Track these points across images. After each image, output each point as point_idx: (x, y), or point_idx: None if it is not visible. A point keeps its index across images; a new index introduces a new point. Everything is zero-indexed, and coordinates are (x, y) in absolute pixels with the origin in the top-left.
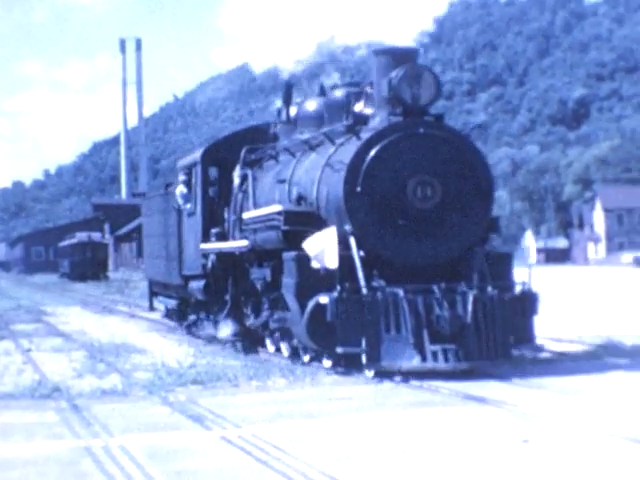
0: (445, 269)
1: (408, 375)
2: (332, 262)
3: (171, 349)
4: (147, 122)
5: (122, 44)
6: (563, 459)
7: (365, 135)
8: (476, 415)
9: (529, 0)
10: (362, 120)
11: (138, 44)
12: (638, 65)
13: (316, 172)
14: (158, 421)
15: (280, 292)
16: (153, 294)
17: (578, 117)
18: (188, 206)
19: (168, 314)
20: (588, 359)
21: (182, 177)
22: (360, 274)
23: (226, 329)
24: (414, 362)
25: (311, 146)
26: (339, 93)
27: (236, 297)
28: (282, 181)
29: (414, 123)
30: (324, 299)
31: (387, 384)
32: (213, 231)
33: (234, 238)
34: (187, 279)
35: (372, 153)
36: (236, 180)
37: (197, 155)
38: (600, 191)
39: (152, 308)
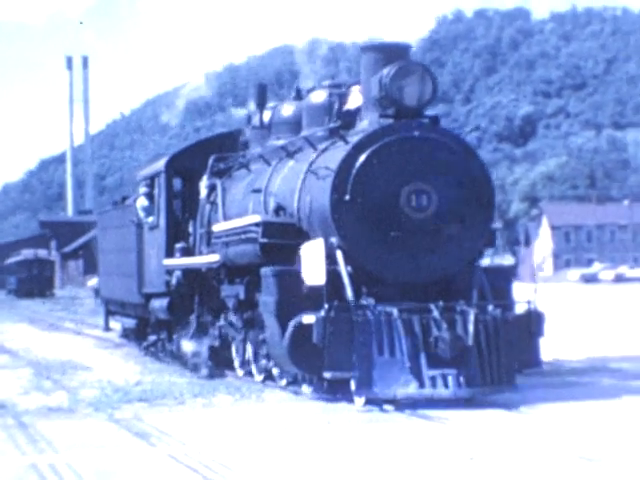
0: (441, 286)
1: (402, 404)
2: (319, 277)
3: (118, 366)
4: (93, 139)
5: (69, 61)
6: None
7: (353, 139)
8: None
9: (476, 17)
10: (348, 123)
11: (85, 61)
12: (585, 82)
13: (296, 180)
14: (104, 438)
15: (255, 311)
16: (109, 313)
17: (525, 134)
18: (150, 219)
19: (125, 334)
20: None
21: (143, 189)
22: (349, 291)
23: (190, 350)
24: (411, 389)
25: (289, 152)
26: (320, 96)
27: (202, 317)
28: (257, 191)
29: (408, 125)
30: (309, 318)
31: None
32: (178, 246)
33: (201, 253)
34: (148, 297)
35: (362, 158)
36: (203, 191)
37: (160, 164)
38: (547, 209)
39: (108, 328)
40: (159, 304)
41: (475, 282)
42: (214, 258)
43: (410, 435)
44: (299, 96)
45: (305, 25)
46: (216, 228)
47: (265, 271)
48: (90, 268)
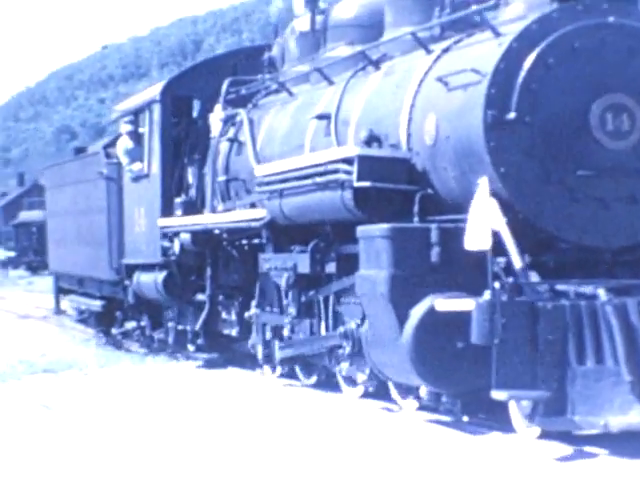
0: (636, 254)
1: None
2: (481, 239)
3: (23, 337)
4: None
5: None
6: None
7: (508, 28)
8: None
9: None
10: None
11: None
12: None
13: (401, 96)
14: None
15: (322, 291)
16: (61, 292)
17: None
18: (135, 167)
19: (83, 318)
20: None
21: (127, 127)
22: (517, 261)
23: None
24: (632, 415)
25: (371, 61)
26: None
27: (215, 297)
28: (323, 117)
29: (596, 6)
30: (459, 304)
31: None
32: (178, 200)
33: (213, 209)
34: (129, 271)
35: (531, 57)
36: (216, 126)
37: (154, 92)
38: None
39: (59, 310)
40: (148, 279)
41: None
42: (259, 213)
43: None
44: None
45: None
46: (261, 171)
47: (369, 231)
48: None
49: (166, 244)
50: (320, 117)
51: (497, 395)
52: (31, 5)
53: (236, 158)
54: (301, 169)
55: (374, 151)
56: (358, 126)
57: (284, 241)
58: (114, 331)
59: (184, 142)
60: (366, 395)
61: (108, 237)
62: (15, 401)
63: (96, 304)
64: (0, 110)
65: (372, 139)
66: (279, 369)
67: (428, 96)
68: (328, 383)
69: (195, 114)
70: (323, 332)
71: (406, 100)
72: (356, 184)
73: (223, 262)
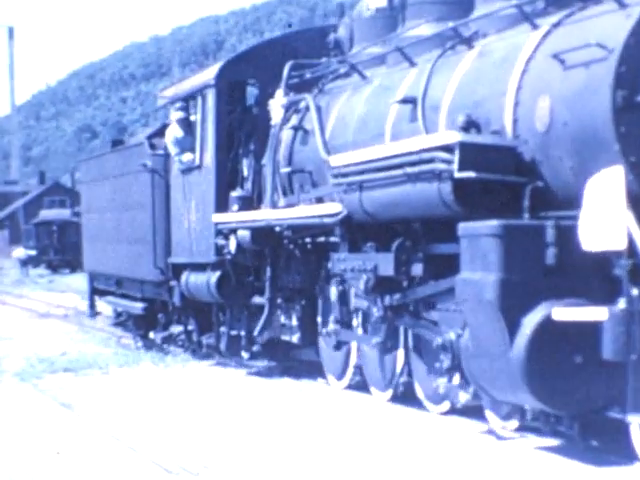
0: None
1: None
2: (615, 238)
3: (43, 336)
4: (19, 110)
5: None
6: None
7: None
8: None
9: None
10: None
11: (10, 32)
12: None
13: (503, 76)
14: (29, 408)
15: (411, 294)
16: (96, 293)
17: None
18: (185, 158)
19: (120, 322)
20: None
21: (177, 114)
22: None
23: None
24: None
25: (463, 39)
26: None
27: (274, 300)
28: (407, 101)
29: None
30: (581, 312)
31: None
32: (234, 195)
33: (274, 204)
34: (176, 271)
35: None
36: (277, 113)
37: (209, 75)
38: None
39: (94, 313)
40: (199, 280)
41: None
42: (334, 208)
43: None
44: None
45: None
46: (338, 161)
47: (474, 228)
48: (15, 239)
49: (221, 242)
50: (404, 101)
51: (634, 419)
52: (52, 3)
53: (301, 148)
54: (388, 158)
55: (478, 138)
56: (451, 111)
57: (359, 240)
58: (152, 335)
59: (238, 131)
60: (451, 412)
61: (152, 234)
62: (36, 400)
63: (137, 306)
64: (21, 109)
65: (470, 125)
66: (346, 379)
67: (539, 76)
68: (405, 397)
69: (251, 100)
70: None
71: (511, 81)
72: (457, 175)
73: (284, 262)
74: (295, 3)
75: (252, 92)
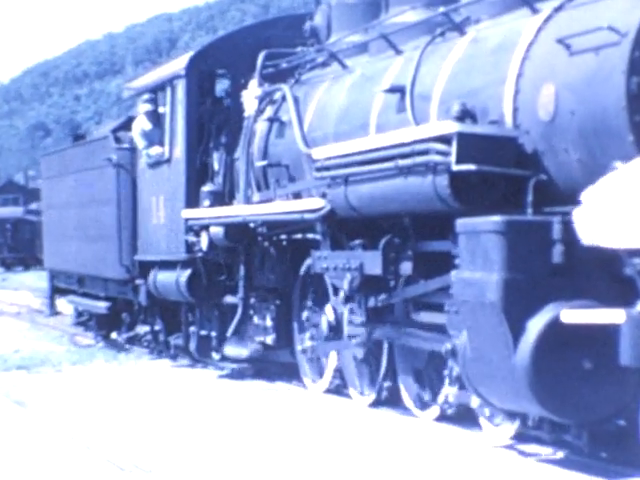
0: None
1: None
2: (635, 234)
3: None
4: None
5: None
6: None
7: None
8: None
9: None
10: None
11: None
12: None
13: (503, 64)
14: None
15: (396, 294)
16: (56, 291)
17: None
18: (153, 151)
19: (82, 321)
20: None
21: (145, 106)
22: None
23: (240, 350)
24: None
25: (456, 25)
26: None
27: (247, 299)
28: (395, 90)
29: None
30: (595, 315)
31: None
32: (206, 190)
33: (247, 199)
34: (142, 269)
35: None
36: (251, 104)
37: (179, 65)
38: None
39: (54, 312)
40: (168, 278)
41: None
42: (316, 203)
43: None
44: None
45: None
46: (321, 153)
47: (474, 224)
48: None
49: (192, 239)
50: (392, 90)
51: None
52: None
53: (277, 141)
54: (377, 150)
55: (477, 128)
56: (443, 101)
57: (342, 237)
58: (114, 335)
59: (208, 123)
60: (441, 418)
61: (118, 231)
62: None
63: (100, 305)
64: None
65: (465, 114)
66: (325, 381)
67: (542, 62)
68: (390, 401)
69: (221, 91)
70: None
71: (511, 68)
72: (455, 167)
73: (259, 260)
74: (248, 1)
75: (223, 83)
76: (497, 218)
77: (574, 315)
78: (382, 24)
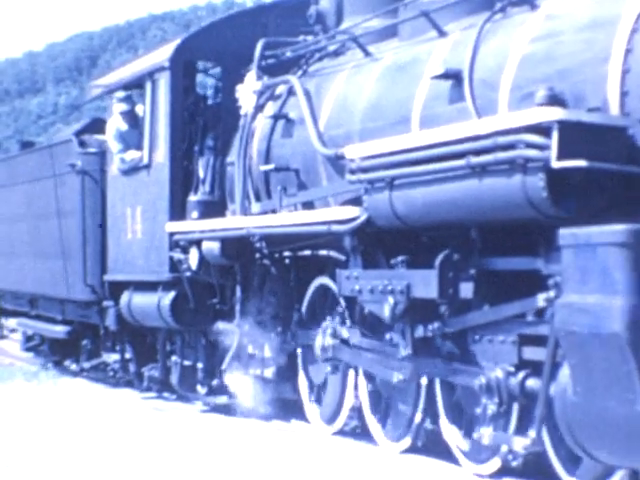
0: None
1: None
2: None
3: None
4: None
5: None
6: None
7: None
8: None
9: None
10: None
11: None
12: None
13: (604, 39)
14: None
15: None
16: (2, 313)
17: None
18: (129, 156)
19: (33, 346)
20: None
21: (121, 106)
22: None
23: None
24: None
25: (521, 0)
26: None
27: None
28: (448, 77)
29: None
30: None
31: None
32: (193, 200)
33: (245, 209)
34: (113, 290)
35: None
36: (249, 100)
37: (162, 56)
38: None
39: (1, 335)
40: (147, 301)
41: None
42: (349, 212)
43: None
44: None
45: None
46: (356, 152)
47: (587, 236)
48: None
49: (177, 255)
50: (445, 76)
51: None
52: None
53: (282, 141)
54: (437, 146)
55: (584, 115)
56: (517, 86)
57: (375, 253)
58: (73, 366)
59: (192, 124)
60: (505, 473)
61: (82, 247)
62: None
63: (57, 330)
64: None
65: (553, 101)
66: (340, 422)
67: None
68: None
69: (206, 86)
70: None
71: (615, 44)
72: (556, 164)
73: (257, 281)
74: (169, 19)
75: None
76: (621, 227)
77: None
78: (415, 3)
